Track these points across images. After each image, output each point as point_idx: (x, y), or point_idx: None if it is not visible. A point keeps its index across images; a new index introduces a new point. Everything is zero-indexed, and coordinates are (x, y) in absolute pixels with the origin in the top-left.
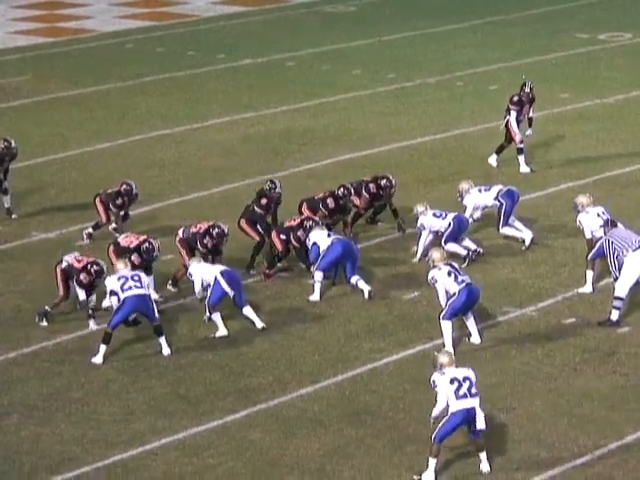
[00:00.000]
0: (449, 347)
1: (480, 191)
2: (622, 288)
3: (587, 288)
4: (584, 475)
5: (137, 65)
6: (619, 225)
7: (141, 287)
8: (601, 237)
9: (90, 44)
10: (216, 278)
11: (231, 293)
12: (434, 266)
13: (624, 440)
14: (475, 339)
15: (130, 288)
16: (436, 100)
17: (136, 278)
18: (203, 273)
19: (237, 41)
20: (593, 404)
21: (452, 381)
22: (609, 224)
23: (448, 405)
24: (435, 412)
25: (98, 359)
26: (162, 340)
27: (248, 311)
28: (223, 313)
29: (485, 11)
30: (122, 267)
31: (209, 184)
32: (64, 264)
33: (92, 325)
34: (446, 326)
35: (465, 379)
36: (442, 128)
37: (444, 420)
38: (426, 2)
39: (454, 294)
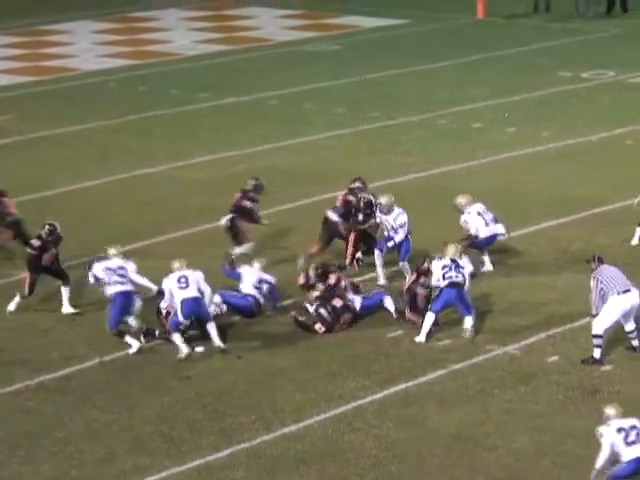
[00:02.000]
0: (422, 338)
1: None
2: (599, 325)
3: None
4: None
5: (120, 104)
6: (605, 264)
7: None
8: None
9: (73, 83)
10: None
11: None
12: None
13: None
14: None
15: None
16: (419, 138)
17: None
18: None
19: (220, 79)
20: (577, 442)
21: (619, 430)
22: (596, 260)
23: (618, 454)
24: (599, 462)
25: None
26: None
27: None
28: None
29: (468, 49)
30: (178, 266)
31: (193, 222)
32: None
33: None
34: (429, 318)
35: (633, 427)
36: (425, 167)
37: (620, 466)
38: (409, 40)
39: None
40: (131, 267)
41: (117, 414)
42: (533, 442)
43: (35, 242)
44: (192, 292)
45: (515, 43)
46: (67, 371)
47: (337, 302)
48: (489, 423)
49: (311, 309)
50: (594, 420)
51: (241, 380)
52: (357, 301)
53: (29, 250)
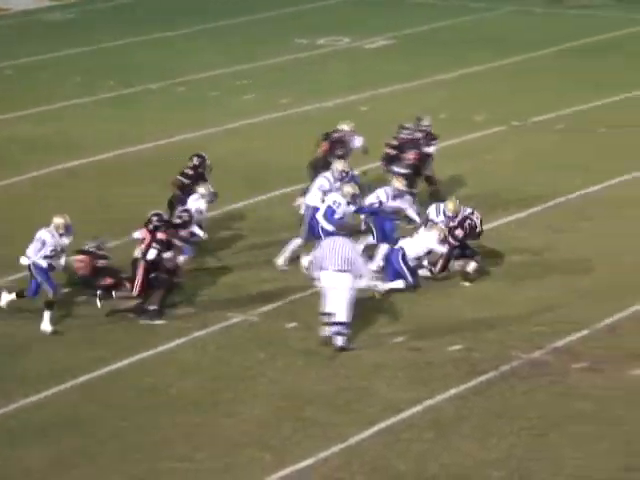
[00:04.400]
0: None
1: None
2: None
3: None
4: (309, 478)
5: None
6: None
7: None
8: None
9: None
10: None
11: None
12: None
13: (347, 442)
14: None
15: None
16: (158, 106)
17: None
18: None
19: None
20: (316, 407)
21: None
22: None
23: None
24: None
25: None
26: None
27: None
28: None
29: (206, 17)
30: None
31: None
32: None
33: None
34: None
35: None
36: (165, 134)
37: None
38: (147, 9)
39: None
40: None
41: None
42: (273, 408)
43: None
44: None
45: (251, 10)
46: None
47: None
48: (230, 390)
49: None
50: (334, 385)
51: None
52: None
53: None
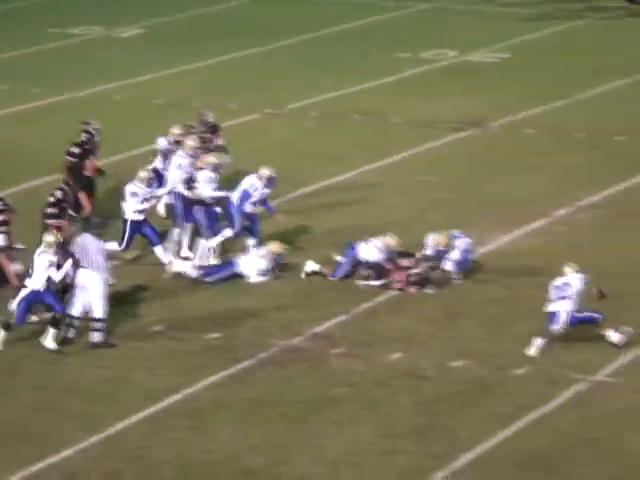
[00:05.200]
0: None
1: None
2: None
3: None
4: (67, 468)
5: None
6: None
7: None
8: None
9: None
10: None
11: None
12: None
13: (107, 432)
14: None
15: None
16: None
17: None
18: None
19: None
20: (75, 398)
21: None
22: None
23: None
24: None
25: None
26: None
27: None
28: None
29: None
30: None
31: None
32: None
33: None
34: None
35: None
36: None
37: None
38: None
39: None
40: None
41: None
42: (33, 399)
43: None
44: None
45: (3, 1)
46: None
47: None
48: None
49: None
50: (95, 375)
51: None
52: None
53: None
